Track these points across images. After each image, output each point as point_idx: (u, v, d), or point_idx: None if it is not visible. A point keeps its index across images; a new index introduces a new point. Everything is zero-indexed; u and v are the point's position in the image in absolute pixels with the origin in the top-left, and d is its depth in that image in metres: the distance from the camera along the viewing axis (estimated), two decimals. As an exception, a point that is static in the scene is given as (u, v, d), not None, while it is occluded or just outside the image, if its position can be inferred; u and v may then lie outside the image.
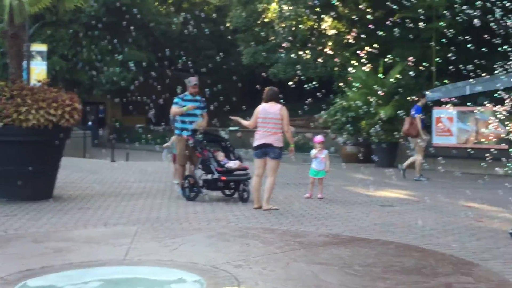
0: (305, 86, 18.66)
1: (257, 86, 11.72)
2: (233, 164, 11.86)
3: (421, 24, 15.23)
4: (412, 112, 15.49)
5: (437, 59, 18.95)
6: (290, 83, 20.88)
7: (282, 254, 7.36)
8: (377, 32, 16.17)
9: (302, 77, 24.13)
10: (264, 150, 10.76)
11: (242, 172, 11.79)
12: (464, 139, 17.62)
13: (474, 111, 17.39)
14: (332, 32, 25.65)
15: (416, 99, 15.66)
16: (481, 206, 11.14)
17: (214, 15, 32.32)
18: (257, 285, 6.03)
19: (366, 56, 18.22)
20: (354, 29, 23.66)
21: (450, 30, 14.53)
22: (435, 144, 18.23)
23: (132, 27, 27.11)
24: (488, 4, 9.53)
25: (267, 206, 10.73)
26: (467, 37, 10.59)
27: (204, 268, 6.52)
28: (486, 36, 10.93)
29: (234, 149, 12.60)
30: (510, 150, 14.90)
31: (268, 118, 10.80)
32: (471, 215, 10.19)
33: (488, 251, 7.62)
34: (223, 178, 11.61)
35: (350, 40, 23.27)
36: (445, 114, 18.04)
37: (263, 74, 21.62)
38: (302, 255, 7.35)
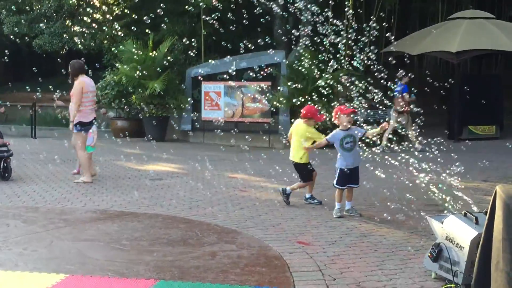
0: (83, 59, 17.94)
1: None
2: (-9, 140, 11.11)
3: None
4: (398, 89, 15.81)
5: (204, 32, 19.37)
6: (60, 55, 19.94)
7: (46, 233, 7.07)
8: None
9: (75, 49, 23.22)
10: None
11: (3, 148, 11.09)
12: (231, 113, 18.30)
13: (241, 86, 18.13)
14: (100, 3, 24.95)
15: (400, 78, 16.03)
16: (245, 177, 11.66)
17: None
18: (17, 267, 5.72)
19: (136, 30, 18.02)
20: (123, 2, 23.23)
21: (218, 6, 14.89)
22: (204, 118, 18.70)
23: None
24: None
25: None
26: (231, 15, 10.95)
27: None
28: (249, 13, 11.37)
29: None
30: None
31: (91, 91, 10.81)
32: (235, 186, 10.65)
33: (250, 219, 8.02)
34: (-20, 156, 10.87)
35: (118, 13, 22.87)
36: (213, 89, 18.56)
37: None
38: (67, 232, 7.14)
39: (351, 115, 8.31)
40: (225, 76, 16.46)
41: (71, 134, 11.15)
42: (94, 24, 21.64)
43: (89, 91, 10.72)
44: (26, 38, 24.78)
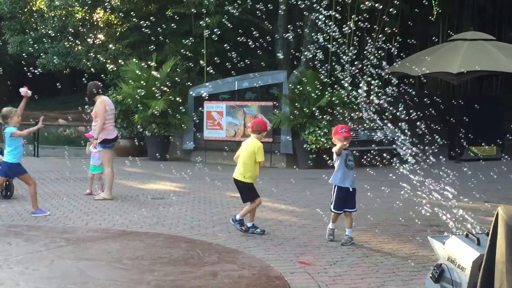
0: (83, 78, 18.13)
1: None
2: (-6, 159, 11.11)
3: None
4: None
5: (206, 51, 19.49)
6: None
7: (47, 251, 7.07)
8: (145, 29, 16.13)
9: (78, 69, 23.39)
10: None
11: (6, 167, 11.09)
12: (233, 133, 18.35)
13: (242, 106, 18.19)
14: (103, 24, 25.17)
15: None
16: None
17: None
18: (18, 286, 5.72)
19: (138, 49, 18.16)
20: (127, 22, 23.41)
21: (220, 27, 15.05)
22: (206, 137, 18.76)
23: None
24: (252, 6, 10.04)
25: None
26: (234, 36, 11.04)
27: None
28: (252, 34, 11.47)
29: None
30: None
31: (111, 109, 11.11)
32: (237, 205, 10.63)
33: (251, 239, 8.01)
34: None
35: (122, 32, 23.06)
36: (215, 108, 18.63)
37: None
38: (69, 251, 7.13)
39: (347, 139, 8.08)
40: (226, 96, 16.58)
41: (75, 153, 11.21)
42: (97, 42, 21.80)
43: (110, 109, 11.01)
44: (29, 57, 24.92)
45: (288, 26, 11.55)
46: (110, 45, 21.96)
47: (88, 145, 11.78)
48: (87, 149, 11.98)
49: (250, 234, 8.27)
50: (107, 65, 21.48)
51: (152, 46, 17.20)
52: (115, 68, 19.52)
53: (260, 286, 5.93)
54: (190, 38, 14.71)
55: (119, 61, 19.09)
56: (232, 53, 12.38)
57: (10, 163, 9.60)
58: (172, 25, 15.21)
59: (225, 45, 13.77)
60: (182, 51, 16.25)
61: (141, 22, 14.19)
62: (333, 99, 15.78)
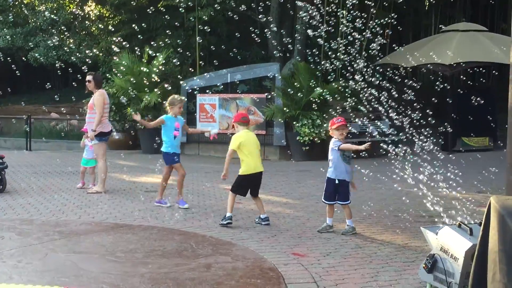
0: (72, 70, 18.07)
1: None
2: (-14, 152, 11.08)
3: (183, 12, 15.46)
4: None
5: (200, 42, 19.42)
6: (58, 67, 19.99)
7: (40, 245, 7.05)
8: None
9: (70, 62, 23.27)
10: None
11: (-2, 161, 11.08)
12: (226, 125, 18.32)
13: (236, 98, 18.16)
14: (95, 17, 25.07)
15: None
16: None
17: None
18: (11, 279, 5.70)
19: (131, 43, 18.07)
20: (119, 15, 23.32)
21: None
22: (200, 130, 18.72)
23: None
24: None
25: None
26: (227, 27, 11.03)
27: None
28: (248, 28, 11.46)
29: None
30: None
31: (108, 103, 11.21)
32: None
33: (245, 231, 8.02)
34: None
35: (114, 25, 22.96)
36: (208, 101, 18.59)
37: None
38: (62, 245, 7.12)
39: (341, 129, 7.98)
40: (220, 86, 16.52)
41: (68, 146, 11.16)
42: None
43: (107, 103, 11.09)
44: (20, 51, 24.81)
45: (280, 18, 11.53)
46: (97, 49, 21.88)
47: (84, 137, 11.76)
48: (82, 141, 11.94)
49: (244, 225, 8.28)
50: (99, 57, 21.41)
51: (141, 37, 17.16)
52: (87, 69, 19.45)
53: (254, 278, 5.93)
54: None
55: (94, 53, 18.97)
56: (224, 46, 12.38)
57: (166, 153, 10.07)
58: (165, 16, 15.07)
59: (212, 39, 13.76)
60: (167, 41, 16.16)
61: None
62: (325, 91, 15.78)
